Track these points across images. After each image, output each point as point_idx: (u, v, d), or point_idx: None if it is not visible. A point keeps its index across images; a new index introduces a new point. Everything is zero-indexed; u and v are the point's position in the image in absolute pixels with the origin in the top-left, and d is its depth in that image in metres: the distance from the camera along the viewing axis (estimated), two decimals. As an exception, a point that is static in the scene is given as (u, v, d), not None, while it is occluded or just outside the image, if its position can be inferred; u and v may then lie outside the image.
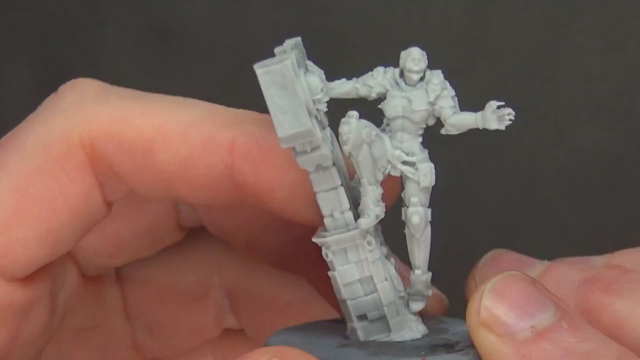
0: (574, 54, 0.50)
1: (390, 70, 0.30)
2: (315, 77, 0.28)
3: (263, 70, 0.27)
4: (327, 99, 0.29)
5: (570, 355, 0.27)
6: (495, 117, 0.29)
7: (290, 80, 0.27)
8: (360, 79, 0.30)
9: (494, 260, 0.34)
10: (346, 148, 0.28)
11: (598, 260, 0.35)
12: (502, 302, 0.28)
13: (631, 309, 0.30)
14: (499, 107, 0.29)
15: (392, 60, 0.44)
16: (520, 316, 0.28)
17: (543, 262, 0.34)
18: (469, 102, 0.46)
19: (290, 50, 0.28)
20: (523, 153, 0.51)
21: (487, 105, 0.29)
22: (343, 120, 0.28)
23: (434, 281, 0.32)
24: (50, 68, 0.54)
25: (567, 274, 0.32)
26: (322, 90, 0.28)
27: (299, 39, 0.30)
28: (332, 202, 0.29)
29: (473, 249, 0.52)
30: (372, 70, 0.30)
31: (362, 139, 0.29)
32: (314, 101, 0.28)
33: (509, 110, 0.29)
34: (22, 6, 0.56)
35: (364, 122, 0.29)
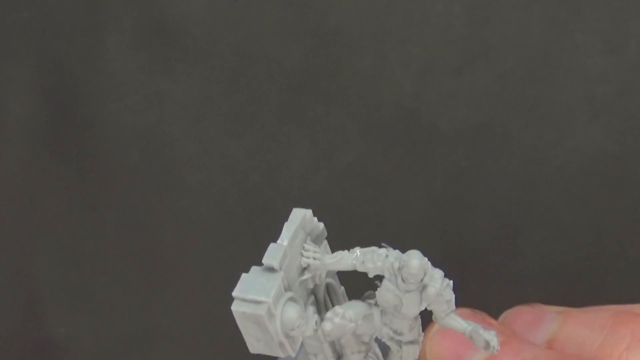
0: (574, 54, 0.50)
1: (392, 257, 0.28)
2: (293, 311, 0.27)
3: (238, 310, 0.26)
4: (305, 327, 0.28)
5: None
6: (483, 342, 0.28)
7: (263, 325, 0.26)
8: (361, 255, 0.29)
9: None
10: (328, 339, 0.28)
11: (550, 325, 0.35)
12: None
13: None
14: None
15: (391, 60, 0.44)
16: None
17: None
18: (469, 102, 0.46)
19: (279, 268, 0.27)
20: (523, 153, 0.51)
21: (479, 332, 0.29)
22: (327, 316, 0.28)
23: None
24: (50, 68, 0.54)
25: None
26: (298, 326, 0.27)
27: (307, 214, 0.28)
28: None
29: (473, 249, 0.52)
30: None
31: (345, 332, 0.28)
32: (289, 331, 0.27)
33: (495, 342, 0.28)
34: (22, 6, 0.56)
35: (350, 316, 0.28)
